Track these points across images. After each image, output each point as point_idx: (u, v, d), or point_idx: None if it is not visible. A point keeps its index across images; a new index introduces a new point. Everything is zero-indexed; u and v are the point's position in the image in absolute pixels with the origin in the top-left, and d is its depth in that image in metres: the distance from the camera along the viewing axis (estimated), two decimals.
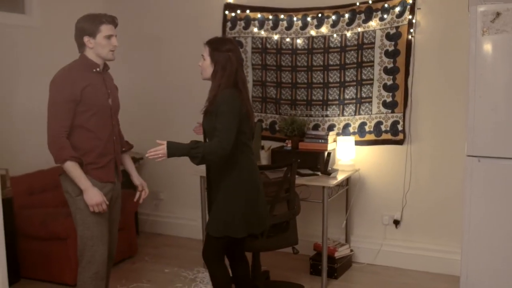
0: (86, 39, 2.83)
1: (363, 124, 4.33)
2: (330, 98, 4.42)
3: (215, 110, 2.89)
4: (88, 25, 2.81)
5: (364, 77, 4.27)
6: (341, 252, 4.20)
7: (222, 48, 2.96)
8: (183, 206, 5.22)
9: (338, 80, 4.37)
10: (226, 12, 4.75)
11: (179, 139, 5.04)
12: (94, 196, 2.78)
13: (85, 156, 2.83)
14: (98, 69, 2.91)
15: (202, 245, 3.20)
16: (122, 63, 5.26)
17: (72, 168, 2.76)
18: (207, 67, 2.99)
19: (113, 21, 2.90)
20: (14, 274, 3.99)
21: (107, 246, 2.94)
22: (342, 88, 4.37)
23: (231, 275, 3.24)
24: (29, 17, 4.57)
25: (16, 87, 4.42)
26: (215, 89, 2.94)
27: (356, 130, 4.36)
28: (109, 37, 2.85)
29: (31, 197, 4.26)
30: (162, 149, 2.84)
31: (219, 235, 3.00)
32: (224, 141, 2.82)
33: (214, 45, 2.99)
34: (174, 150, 2.85)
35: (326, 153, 4.15)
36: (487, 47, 3.21)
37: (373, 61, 4.22)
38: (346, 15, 4.27)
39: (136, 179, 3.20)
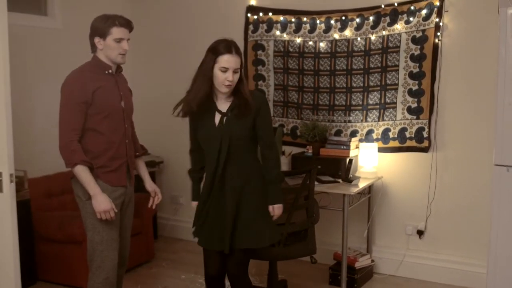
0: (96, 39, 2.78)
1: (387, 131, 4.20)
2: (353, 103, 4.30)
3: (252, 114, 2.75)
4: (100, 26, 2.76)
5: (388, 82, 4.15)
6: (362, 262, 4.08)
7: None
8: None
9: (361, 84, 4.26)
10: (249, 14, 4.68)
11: None
12: (102, 202, 2.73)
13: (97, 159, 2.79)
14: (110, 71, 2.85)
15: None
16: (143, 67, 5.26)
17: (82, 172, 2.72)
18: (237, 77, 2.74)
19: (127, 24, 2.82)
20: (31, 276, 4.00)
21: (118, 251, 2.89)
22: (365, 93, 4.25)
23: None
24: (51, 19, 4.58)
25: (36, 88, 4.42)
26: (247, 91, 2.77)
27: (379, 137, 4.24)
28: (119, 40, 2.78)
29: (49, 199, 4.25)
30: (277, 213, 2.87)
31: (256, 246, 2.85)
32: (276, 148, 2.88)
33: (240, 52, 2.77)
34: (279, 198, 2.86)
35: (347, 160, 4.03)
36: None
37: (398, 66, 4.10)
38: (371, 18, 4.16)
39: (149, 185, 3.14)
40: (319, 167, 3.97)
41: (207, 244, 2.89)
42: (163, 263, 4.59)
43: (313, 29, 4.39)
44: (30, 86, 4.38)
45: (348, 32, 4.26)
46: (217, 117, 2.78)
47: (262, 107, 2.78)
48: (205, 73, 2.73)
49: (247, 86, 2.83)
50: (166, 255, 4.79)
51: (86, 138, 2.78)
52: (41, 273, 4.11)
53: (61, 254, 4.01)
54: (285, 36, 4.50)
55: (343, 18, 4.26)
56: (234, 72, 2.70)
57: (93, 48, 2.83)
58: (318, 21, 4.36)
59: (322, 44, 4.36)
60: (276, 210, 2.85)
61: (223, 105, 2.80)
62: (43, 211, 4.14)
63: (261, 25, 4.62)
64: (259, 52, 4.66)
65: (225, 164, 2.76)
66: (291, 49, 4.49)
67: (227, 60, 2.68)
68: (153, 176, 5.16)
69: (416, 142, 4.11)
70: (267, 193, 2.84)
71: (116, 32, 2.76)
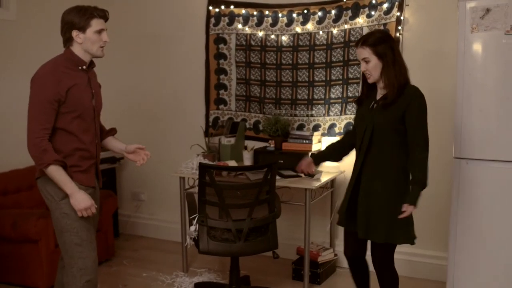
0: (75, 33, 2.64)
1: (349, 124, 4.20)
2: (316, 97, 4.28)
3: (401, 107, 2.77)
4: (77, 19, 2.62)
5: (350, 75, 4.15)
6: (325, 256, 4.07)
7: (380, 40, 2.82)
8: (165, 208, 5.07)
9: (323, 78, 4.24)
10: (210, 7, 4.60)
11: (165, 137, 4.95)
12: (82, 200, 2.61)
13: (67, 158, 2.66)
14: (84, 67, 2.72)
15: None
16: (105, 59, 5.11)
17: (56, 172, 2.58)
18: (376, 67, 2.82)
19: (104, 15, 2.72)
20: None
21: (97, 251, 2.78)
22: (327, 87, 4.24)
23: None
24: (5, 11, 4.39)
25: None
26: (393, 81, 2.79)
27: (342, 131, 4.23)
28: (99, 31, 2.68)
29: (4, 197, 4.09)
30: (405, 213, 2.76)
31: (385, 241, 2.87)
32: (423, 149, 2.84)
33: (372, 42, 2.81)
34: (413, 200, 2.77)
35: (310, 154, 4.01)
36: (476, 45, 3.10)
37: None
38: (333, 12, 4.14)
39: (130, 146, 2.98)
40: (281, 161, 3.96)
41: (347, 224, 2.98)
42: (124, 261, 4.49)
43: (275, 22, 4.35)
44: None
45: (310, 26, 4.23)
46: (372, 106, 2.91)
47: (412, 102, 2.76)
48: None
49: (396, 77, 2.80)
50: (127, 253, 4.69)
51: (56, 137, 2.63)
52: None
53: (16, 253, 3.86)
54: (247, 30, 4.45)
55: (305, 11, 4.24)
56: (365, 61, 2.83)
57: (68, 42, 2.69)
58: (280, 15, 4.33)
59: (284, 38, 4.32)
60: (406, 209, 2.75)
61: (379, 94, 2.91)
62: None
63: (222, 18, 4.56)
64: (221, 45, 4.59)
65: (366, 153, 2.86)
66: (253, 43, 4.44)
67: (358, 53, 2.89)
68: (113, 173, 5.05)
69: None
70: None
71: (96, 23, 2.66)
